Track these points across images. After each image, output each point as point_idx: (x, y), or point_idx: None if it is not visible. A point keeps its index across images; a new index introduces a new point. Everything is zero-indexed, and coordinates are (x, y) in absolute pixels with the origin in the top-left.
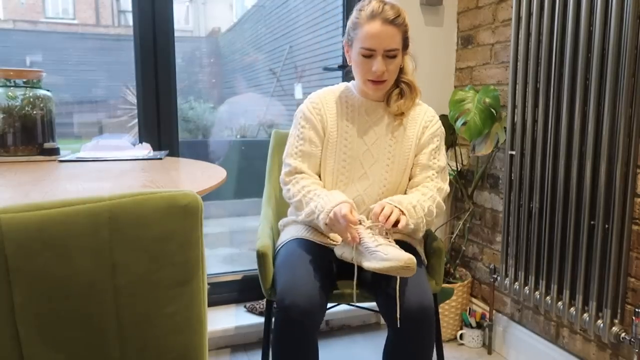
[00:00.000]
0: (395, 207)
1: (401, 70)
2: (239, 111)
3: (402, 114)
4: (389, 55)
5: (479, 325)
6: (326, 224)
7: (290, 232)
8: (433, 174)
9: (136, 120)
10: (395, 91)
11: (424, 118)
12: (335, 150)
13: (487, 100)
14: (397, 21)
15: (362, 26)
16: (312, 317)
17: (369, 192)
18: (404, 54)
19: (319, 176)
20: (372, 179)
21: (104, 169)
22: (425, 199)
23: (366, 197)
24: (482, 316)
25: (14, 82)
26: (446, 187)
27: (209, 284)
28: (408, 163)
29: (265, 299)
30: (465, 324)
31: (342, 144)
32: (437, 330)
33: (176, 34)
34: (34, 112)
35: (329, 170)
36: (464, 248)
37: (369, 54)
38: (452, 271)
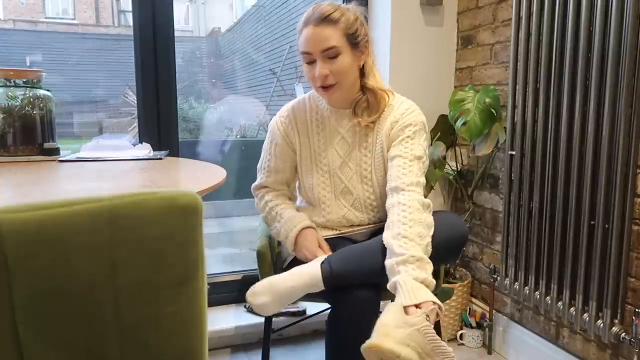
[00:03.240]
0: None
1: (363, 74)
2: (238, 111)
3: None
4: (329, 55)
5: (479, 325)
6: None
7: None
8: (405, 163)
9: (136, 120)
10: (362, 99)
11: (394, 114)
12: (311, 165)
13: (487, 100)
14: (331, 18)
15: (300, 35)
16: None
17: (356, 206)
18: (356, 53)
19: (293, 188)
20: (356, 194)
21: (104, 169)
22: (410, 231)
23: (358, 213)
24: (482, 316)
25: (14, 82)
26: (422, 180)
27: (209, 284)
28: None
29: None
30: (465, 324)
31: (316, 159)
32: (437, 330)
33: (176, 34)
34: (34, 112)
35: (308, 187)
36: (464, 248)
37: (308, 60)
38: (452, 271)
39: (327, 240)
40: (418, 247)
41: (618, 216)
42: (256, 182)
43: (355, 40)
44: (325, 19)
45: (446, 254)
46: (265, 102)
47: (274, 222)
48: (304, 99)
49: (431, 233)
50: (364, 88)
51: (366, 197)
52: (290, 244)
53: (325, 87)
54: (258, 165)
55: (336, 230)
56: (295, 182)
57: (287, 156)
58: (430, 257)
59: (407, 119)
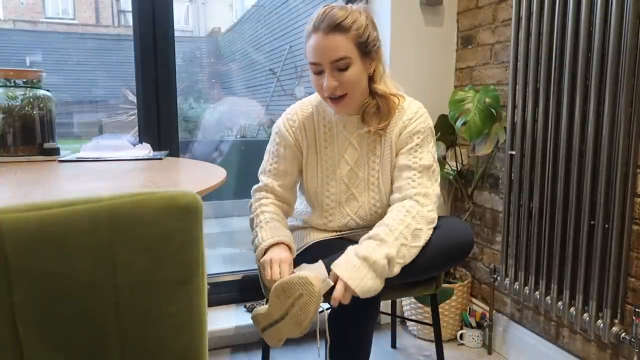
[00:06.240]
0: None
1: (372, 80)
2: (238, 111)
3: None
4: (339, 67)
5: (479, 325)
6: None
7: (302, 238)
8: (414, 175)
9: (136, 120)
10: (372, 104)
11: (403, 118)
12: (317, 171)
13: (487, 100)
14: (342, 26)
15: (308, 40)
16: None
17: (360, 215)
18: (366, 62)
19: (297, 194)
20: (361, 201)
21: (104, 169)
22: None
23: (360, 220)
24: (482, 316)
25: (14, 82)
26: (431, 191)
27: (209, 284)
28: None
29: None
30: (465, 324)
31: (322, 165)
32: (437, 330)
33: (176, 34)
34: (34, 112)
35: (312, 193)
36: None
37: (316, 70)
38: (452, 271)
39: (326, 241)
40: (392, 239)
41: (618, 216)
42: (259, 184)
43: (367, 49)
44: (336, 27)
45: (450, 260)
46: (265, 102)
47: (255, 230)
48: (310, 103)
49: (415, 245)
50: (373, 93)
51: (372, 204)
52: (259, 254)
53: (334, 99)
54: (261, 168)
55: (336, 232)
56: (298, 184)
57: (294, 159)
58: (435, 262)
59: (414, 125)
